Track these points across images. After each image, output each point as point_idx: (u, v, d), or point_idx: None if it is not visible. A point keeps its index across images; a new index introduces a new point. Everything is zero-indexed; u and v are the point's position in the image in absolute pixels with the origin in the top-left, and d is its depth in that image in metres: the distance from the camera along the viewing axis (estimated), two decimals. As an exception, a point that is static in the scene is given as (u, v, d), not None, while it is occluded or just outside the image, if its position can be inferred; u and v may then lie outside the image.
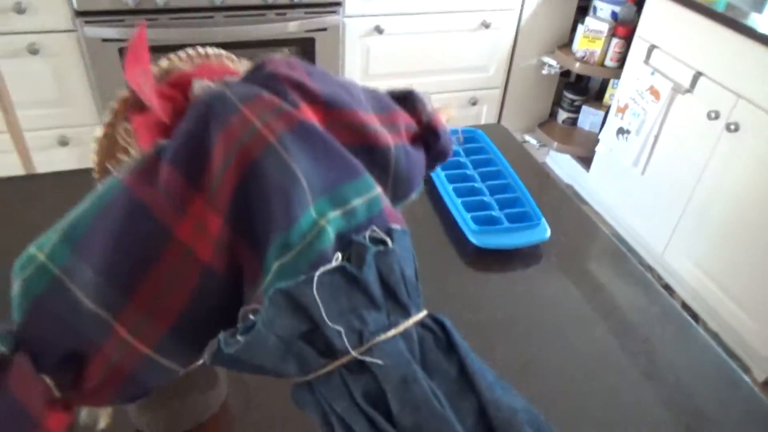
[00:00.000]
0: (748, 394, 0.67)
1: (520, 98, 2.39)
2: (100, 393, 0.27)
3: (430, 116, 0.40)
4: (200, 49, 0.35)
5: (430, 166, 0.43)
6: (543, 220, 0.87)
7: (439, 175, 0.94)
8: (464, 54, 2.15)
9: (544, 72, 2.32)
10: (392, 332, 0.28)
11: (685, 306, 2.03)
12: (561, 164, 2.64)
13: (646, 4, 1.95)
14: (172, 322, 0.27)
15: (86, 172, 0.94)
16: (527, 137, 2.54)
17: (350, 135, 0.32)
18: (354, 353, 0.27)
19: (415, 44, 2.06)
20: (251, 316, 0.27)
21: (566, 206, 0.97)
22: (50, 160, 1.88)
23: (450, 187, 0.91)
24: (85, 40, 1.69)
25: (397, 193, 0.37)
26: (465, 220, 0.85)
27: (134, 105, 0.32)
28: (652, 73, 1.94)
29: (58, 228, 0.28)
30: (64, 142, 1.88)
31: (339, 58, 1.99)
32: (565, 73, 2.50)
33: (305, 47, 1.93)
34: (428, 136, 0.40)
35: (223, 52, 0.35)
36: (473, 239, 0.83)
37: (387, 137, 0.35)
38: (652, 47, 1.95)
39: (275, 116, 0.28)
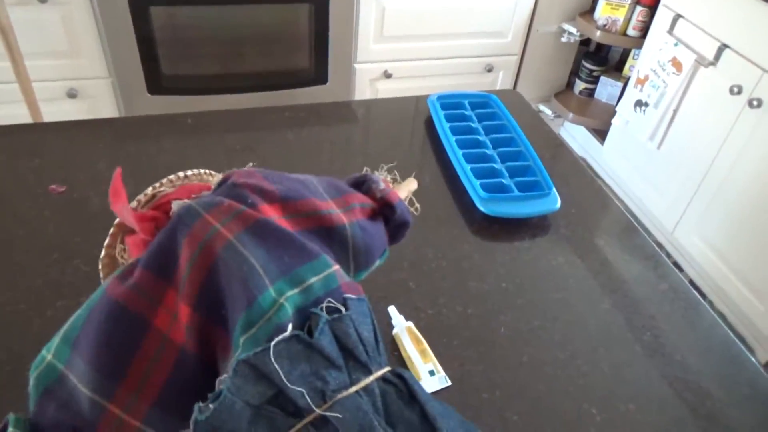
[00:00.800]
0: (753, 374, 0.66)
1: (537, 66, 2.33)
2: None
3: (383, 193, 0.46)
4: (180, 174, 0.43)
5: (393, 235, 0.48)
6: (554, 190, 0.85)
7: (450, 139, 0.92)
8: (482, 18, 2.09)
9: (563, 40, 2.26)
10: (353, 389, 0.32)
11: (692, 284, 2.01)
12: (575, 136, 2.59)
13: (674, -28, 1.88)
14: (156, 397, 0.32)
15: (92, 122, 0.93)
16: (542, 107, 2.49)
17: (307, 221, 0.38)
18: (317, 411, 0.31)
19: (432, 5, 2.00)
20: (220, 386, 0.31)
21: (579, 177, 0.95)
22: (59, 111, 1.86)
23: (460, 152, 0.89)
24: (95, -10, 1.66)
25: (359, 264, 0.42)
26: (474, 187, 0.83)
27: (126, 228, 0.39)
28: (676, 44, 1.88)
29: (60, 332, 0.34)
30: (72, 95, 1.86)
31: (353, 16, 1.94)
32: (585, 42, 2.43)
33: (319, 6, 1.88)
34: (385, 211, 0.46)
35: (202, 170, 0.43)
36: (482, 207, 0.81)
37: (341, 217, 0.41)
38: (677, 17, 1.88)
39: (233, 218, 0.34)
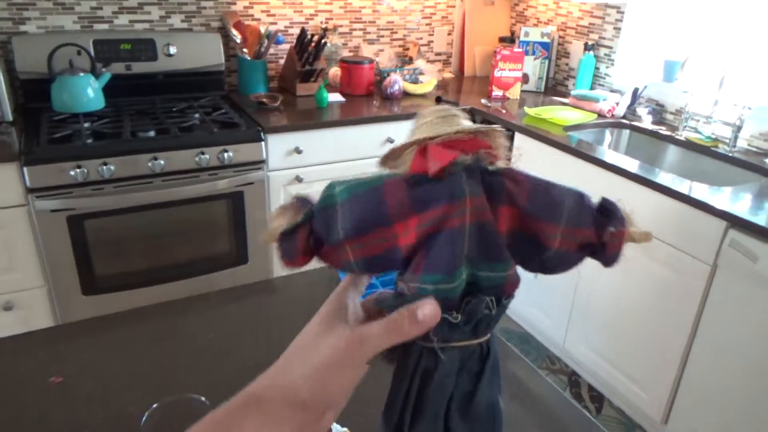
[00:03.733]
0: None
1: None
2: (326, 260, 0.47)
3: (610, 239, 0.49)
4: (482, 126, 0.50)
5: (605, 261, 0.52)
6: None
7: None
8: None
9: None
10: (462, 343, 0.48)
11: (591, 389, 2.31)
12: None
13: (515, 141, 2.42)
14: (365, 258, 0.46)
15: (26, 336, 1.07)
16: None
17: (530, 230, 0.47)
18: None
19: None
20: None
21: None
22: (-5, 325, 1.97)
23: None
24: (35, 212, 1.88)
25: (543, 268, 0.51)
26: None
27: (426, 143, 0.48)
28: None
29: (350, 183, 0.46)
30: (8, 307, 1.99)
31: (265, 205, 2.28)
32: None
33: (235, 199, 2.21)
34: (597, 249, 0.50)
35: (497, 127, 0.49)
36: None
37: (557, 242, 0.46)
38: (524, 173, 2.38)
39: (476, 211, 0.45)
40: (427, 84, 2.75)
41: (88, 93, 2.15)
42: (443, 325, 0.45)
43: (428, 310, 0.43)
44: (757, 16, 2.20)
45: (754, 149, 2.17)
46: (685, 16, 2.51)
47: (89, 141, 1.96)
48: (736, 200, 1.74)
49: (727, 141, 2.19)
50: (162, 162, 2.01)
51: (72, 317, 2.05)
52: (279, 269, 2.39)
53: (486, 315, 0.47)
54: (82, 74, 2.13)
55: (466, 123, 0.49)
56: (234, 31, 2.50)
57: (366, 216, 0.44)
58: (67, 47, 2.14)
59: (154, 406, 0.66)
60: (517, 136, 2.38)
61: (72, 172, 1.88)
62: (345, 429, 0.86)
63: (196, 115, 2.25)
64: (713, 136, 2.26)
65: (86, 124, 2.07)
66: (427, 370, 0.48)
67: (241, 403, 0.43)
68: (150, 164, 1.99)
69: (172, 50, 2.40)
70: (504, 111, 2.56)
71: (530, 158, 2.35)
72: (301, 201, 0.46)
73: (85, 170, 1.90)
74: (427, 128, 0.48)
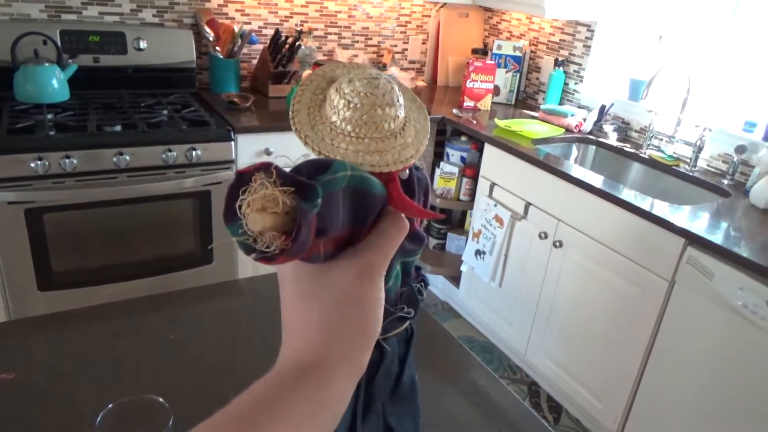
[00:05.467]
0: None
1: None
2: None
3: None
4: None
5: None
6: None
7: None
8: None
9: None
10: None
11: (550, 399, 2.34)
12: (437, 284, 2.99)
13: (485, 151, 2.45)
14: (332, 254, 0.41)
15: None
16: (405, 263, 2.88)
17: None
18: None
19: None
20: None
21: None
22: (-57, 320, 1.89)
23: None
24: (-8, 204, 1.82)
25: None
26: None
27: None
28: (495, 205, 2.39)
29: (353, 167, 0.39)
30: (-41, 301, 1.91)
31: (233, 205, 2.25)
32: (431, 207, 2.93)
33: (201, 198, 2.17)
34: None
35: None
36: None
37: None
38: (493, 184, 2.42)
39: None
40: (400, 91, 2.76)
41: (53, 84, 2.10)
42: (387, 317, 0.45)
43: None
44: (720, 41, 2.29)
45: (713, 170, 2.25)
46: (652, 37, 2.59)
47: (52, 133, 1.91)
48: (695, 219, 1.79)
49: (688, 161, 2.26)
50: (127, 157, 1.96)
51: (26, 313, 1.98)
52: (244, 270, 2.36)
53: (418, 300, 0.49)
54: (47, 64, 2.08)
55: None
56: (207, 29, 2.47)
57: (359, 214, 0.40)
58: (32, 36, 2.08)
59: (110, 406, 0.65)
60: (487, 146, 2.41)
61: (33, 164, 1.82)
62: None
63: (165, 112, 2.21)
64: (675, 156, 2.33)
65: (49, 116, 2.01)
66: (373, 362, 0.48)
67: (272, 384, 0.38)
68: (115, 159, 1.95)
69: (143, 44, 2.36)
70: (475, 122, 2.59)
71: (499, 169, 2.38)
72: (277, 171, 0.35)
73: (47, 162, 1.84)
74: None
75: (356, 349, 0.40)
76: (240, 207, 0.35)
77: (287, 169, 0.36)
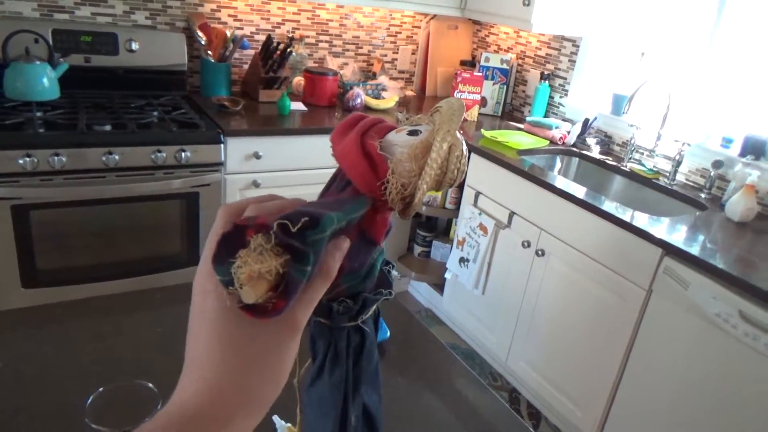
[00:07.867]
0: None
1: (381, 236, 2.78)
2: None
3: None
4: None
5: None
6: (382, 321, 1.15)
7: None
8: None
9: (398, 214, 2.75)
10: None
11: (530, 406, 2.37)
12: (420, 291, 3.02)
13: (471, 161, 2.49)
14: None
15: None
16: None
17: None
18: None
19: (289, 195, 2.40)
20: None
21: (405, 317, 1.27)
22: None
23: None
24: (-22, 200, 1.82)
25: None
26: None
27: None
28: (480, 214, 2.43)
29: (343, 212, 0.43)
30: (-60, 296, 1.90)
31: (222, 203, 2.26)
32: (417, 215, 2.97)
33: (189, 200, 2.18)
34: None
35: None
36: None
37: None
38: (478, 193, 2.46)
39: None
40: (389, 100, 2.81)
41: (44, 82, 2.10)
42: (367, 303, 0.51)
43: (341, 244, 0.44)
44: (699, 59, 2.36)
45: (691, 183, 2.31)
46: (635, 53, 2.66)
47: (41, 130, 1.91)
48: (673, 230, 1.85)
49: (668, 174, 2.32)
50: (116, 157, 1.97)
51: (10, 307, 1.97)
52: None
53: (390, 280, 0.55)
54: (38, 62, 2.09)
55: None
56: (199, 33, 2.50)
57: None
58: (23, 34, 2.08)
59: (100, 390, 0.66)
60: (473, 156, 2.45)
61: (21, 161, 1.83)
62: (288, 425, 0.87)
63: (155, 113, 2.22)
64: (655, 169, 2.39)
65: (39, 113, 2.01)
66: (357, 346, 0.53)
67: None
68: (104, 158, 1.96)
69: (135, 46, 2.37)
70: (462, 132, 2.63)
71: (484, 179, 2.42)
72: (276, 237, 0.37)
73: (35, 159, 1.85)
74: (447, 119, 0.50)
75: (263, 402, 0.40)
76: (232, 260, 0.36)
77: (278, 221, 0.37)
